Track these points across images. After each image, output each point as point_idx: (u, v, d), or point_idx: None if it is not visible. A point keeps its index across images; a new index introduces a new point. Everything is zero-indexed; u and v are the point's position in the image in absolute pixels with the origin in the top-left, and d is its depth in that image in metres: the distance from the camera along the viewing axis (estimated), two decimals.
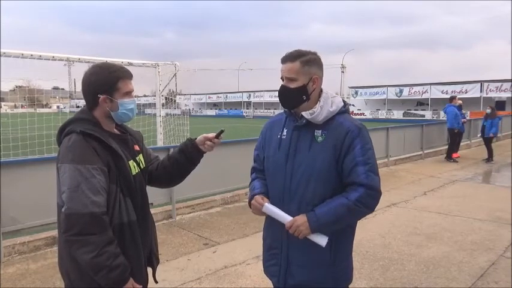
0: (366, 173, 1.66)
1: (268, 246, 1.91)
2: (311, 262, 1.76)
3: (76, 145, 1.57)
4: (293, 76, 1.74)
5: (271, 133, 1.91)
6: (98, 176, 1.55)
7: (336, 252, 1.76)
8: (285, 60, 1.77)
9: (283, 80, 1.78)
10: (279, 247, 1.83)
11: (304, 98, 1.75)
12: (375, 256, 4.11)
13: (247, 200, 6.42)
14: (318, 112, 1.73)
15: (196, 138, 1.94)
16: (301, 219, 1.69)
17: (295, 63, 1.73)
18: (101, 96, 1.66)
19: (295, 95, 1.75)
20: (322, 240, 1.70)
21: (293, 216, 1.73)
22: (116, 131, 1.79)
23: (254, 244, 4.40)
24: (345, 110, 1.80)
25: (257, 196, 1.84)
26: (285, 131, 1.83)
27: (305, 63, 1.73)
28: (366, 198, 1.67)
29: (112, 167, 1.62)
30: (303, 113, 1.75)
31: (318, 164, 1.70)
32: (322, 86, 1.83)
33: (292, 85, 1.75)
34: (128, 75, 1.73)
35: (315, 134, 1.74)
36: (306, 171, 1.72)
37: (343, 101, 1.83)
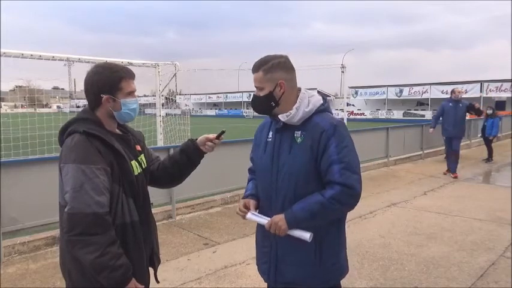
0: (340, 171, 1.67)
1: (259, 245, 1.97)
2: (298, 261, 1.80)
3: (79, 145, 1.57)
4: (259, 85, 1.79)
5: (261, 135, 1.97)
6: (101, 176, 1.55)
7: (321, 250, 1.78)
8: (252, 70, 1.82)
9: None
10: (269, 246, 1.88)
11: (273, 105, 1.80)
12: (374, 256, 4.11)
13: None
14: (293, 114, 1.76)
15: (197, 139, 1.95)
16: (279, 216, 1.75)
17: (259, 72, 1.78)
18: (104, 96, 1.66)
19: (264, 103, 1.80)
20: (304, 234, 1.71)
21: (278, 214, 1.78)
22: (117, 131, 1.79)
23: (254, 244, 4.39)
24: (323, 108, 1.81)
25: (240, 205, 1.91)
26: (270, 133, 1.89)
27: (267, 70, 1.76)
28: (340, 195, 1.67)
29: (115, 167, 1.62)
30: (279, 116, 1.80)
31: (298, 165, 1.75)
32: (301, 86, 1.86)
33: (261, 93, 1.80)
34: (131, 75, 1.73)
35: (295, 135, 1.78)
36: (288, 171, 1.77)
37: (323, 99, 1.84)
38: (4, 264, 3.89)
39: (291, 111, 1.76)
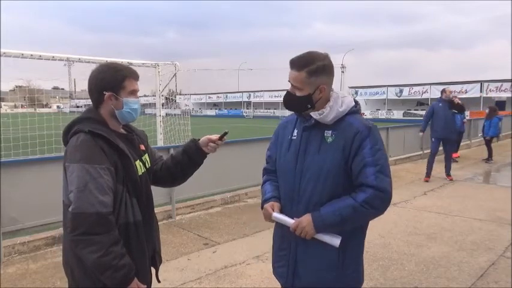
0: (375, 174, 1.62)
1: (277, 247, 1.89)
2: (319, 264, 1.73)
3: (84, 145, 1.57)
4: (298, 85, 1.70)
5: (283, 133, 1.88)
6: (106, 176, 1.55)
7: (344, 254, 1.72)
8: (292, 66, 1.71)
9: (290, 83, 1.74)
10: (288, 248, 1.81)
11: (309, 107, 1.72)
12: (375, 256, 4.11)
13: (247, 200, 6.39)
14: (327, 112, 1.69)
15: (199, 139, 1.94)
16: (306, 219, 1.67)
17: (301, 72, 1.68)
18: (107, 94, 1.67)
19: (300, 103, 1.73)
20: (334, 240, 1.65)
21: (300, 216, 1.70)
22: (122, 130, 1.79)
23: (254, 244, 4.40)
24: (356, 110, 1.75)
25: (267, 205, 1.81)
26: (295, 131, 1.81)
27: (312, 73, 1.67)
28: (373, 199, 1.62)
29: (119, 167, 1.62)
30: (312, 114, 1.72)
31: (327, 165, 1.67)
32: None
33: (298, 93, 1.71)
34: (135, 75, 1.74)
35: (325, 134, 1.71)
36: (315, 172, 1.69)
37: (355, 101, 1.78)
38: (4, 264, 3.89)
39: (323, 110, 1.70)
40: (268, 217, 1.80)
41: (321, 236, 1.67)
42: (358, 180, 1.65)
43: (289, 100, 1.76)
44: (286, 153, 1.80)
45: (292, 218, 1.72)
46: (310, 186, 1.71)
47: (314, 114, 1.71)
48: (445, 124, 7.95)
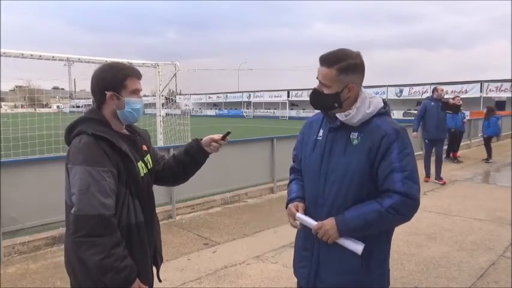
0: (403, 181, 1.57)
1: (300, 246, 1.86)
2: (342, 268, 1.69)
3: (87, 147, 1.57)
4: (326, 83, 1.64)
5: (309, 132, 1.83)
6: (108, 178, 1.55)
7: (368, 259, 1.67)
8: (321, 62, 1.65)
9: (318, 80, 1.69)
10: (310, 249, 1.77)
11: (336, 106, 1.66)
12: None
13: (247, 200, 6.38)
14: (353, 114, 1.64)
15: (201, 139, 1.94)
16: (330, 223, 1.63)
17: (331, 69, 1.62)
18: (108, 93, 1.66)
19: (327, 102, 1.67)
20: (357, 247, 1.62)
21: (323, 220, 1.66)
22: (125, 131, 1.78)
23: (254, 244, 4.40)
24: (384, 111, 1.69)
25: (291, 205, 1.78)
26: (321, 132, 1.76)
27: (342, 71, 1.61)
28: (400, 205, 1.58)
29: (121, 169, 1.62)
30: (337, 115, 1.66)
31: (352, 168, 1.63)
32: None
33: (325, 90, 1.66)
34: (137, 75, 1.73)
35: (351, 136, 1.66)
36: (340, 174, 1.65)
37: (384, 102, 1.71)
38: (4, 264, 3.89)
39: (350, 111, 1.64)
40: (292, 217, 1.77)
41: (343, 241, 1.64)
42: (385, 186, 1.60)
43: (316, 98, 1.71)
44: (311, 154, 1.76)
45: (316, 221, 1.69)
46: (334, 189, 1.67)
47: (340, 116, 1.66)
48: (437, 123, 7.72)
